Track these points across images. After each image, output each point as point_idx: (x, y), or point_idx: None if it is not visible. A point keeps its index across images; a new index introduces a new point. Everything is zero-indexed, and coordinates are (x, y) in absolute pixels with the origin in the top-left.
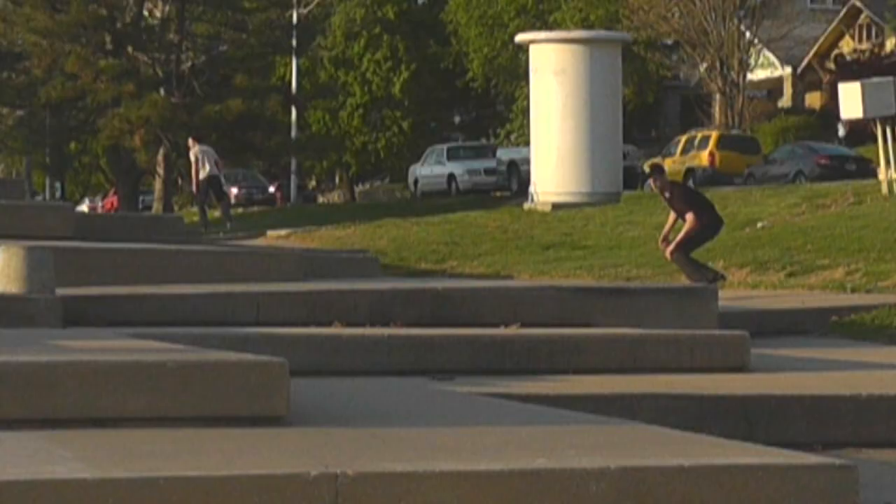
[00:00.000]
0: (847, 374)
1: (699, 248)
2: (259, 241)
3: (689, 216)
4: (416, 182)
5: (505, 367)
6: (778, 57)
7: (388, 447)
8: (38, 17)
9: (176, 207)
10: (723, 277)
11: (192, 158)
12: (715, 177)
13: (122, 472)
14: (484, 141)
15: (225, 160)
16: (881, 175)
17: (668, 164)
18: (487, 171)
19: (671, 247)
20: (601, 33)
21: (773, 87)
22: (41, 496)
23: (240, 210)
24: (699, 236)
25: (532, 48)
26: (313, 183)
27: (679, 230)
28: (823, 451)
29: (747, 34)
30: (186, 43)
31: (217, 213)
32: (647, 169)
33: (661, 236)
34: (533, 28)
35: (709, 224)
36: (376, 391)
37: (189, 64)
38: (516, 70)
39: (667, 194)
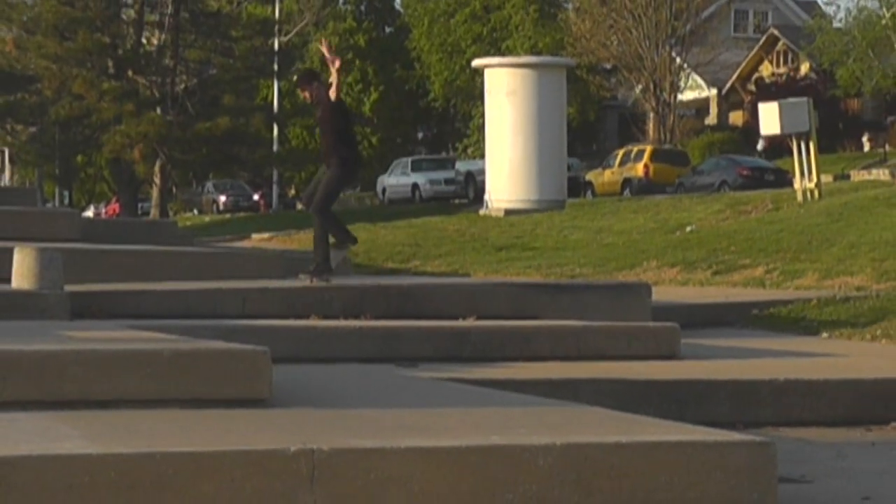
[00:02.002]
0: (766, 361)
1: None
2: (245, 243)
3: (333, 162)
4: (383, 190)
5: (463, 355)
6: (705, 80)
7: (359, 426)
8: (48, 45)
9: (171, 213)
10: (353, 241)
11: None
12: (649, 186)
13: (122, 448)
14: (444, 154)
15: (214, 172)
16: (796, 185)
17: (607, 175)
18: (447, 181)
19: (314, 205)
20: (548, 59)
21: (700, 107)
22: (51, 469)
23: (227, 216)
24: (342, 185)
25: (487, 72)
26: (293, 191)
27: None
28: (745, 430)
29: (677, 60)
30: (180, 67)
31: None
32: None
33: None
34: (487, 54)
35: (351, 172)
36: (348, 376)
37: (182, 86)
38: (473, 91)
39: (318, 112)
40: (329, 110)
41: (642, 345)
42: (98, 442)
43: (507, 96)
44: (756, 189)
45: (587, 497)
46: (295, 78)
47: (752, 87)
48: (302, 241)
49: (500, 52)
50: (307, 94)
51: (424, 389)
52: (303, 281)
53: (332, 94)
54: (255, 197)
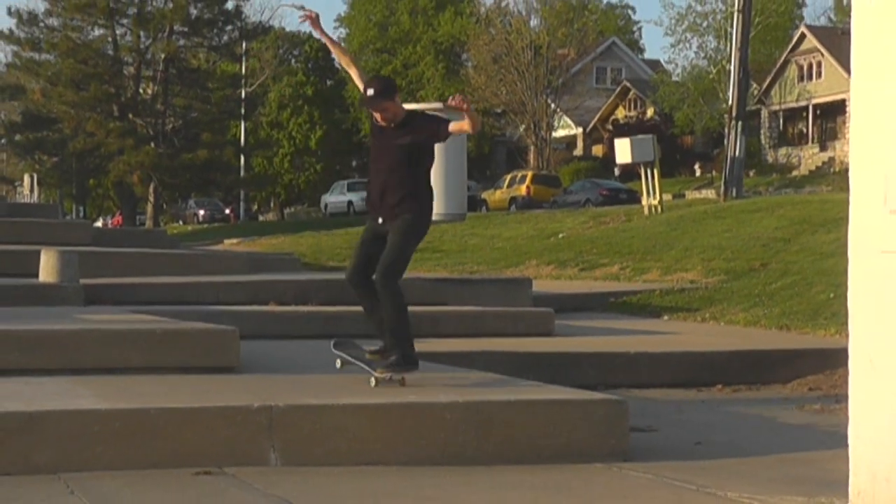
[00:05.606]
0: (621, 338)
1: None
2: (218, 247)
3: (407, 204)
4: (325, 206)
5: None
6: (573, 121)
7: (307, 387)
8: (67, 94)
9: (162, 224)
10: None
11: None
12: (530, 203)
13: (124, 405)
14: None
15: (195, 192)
16: (644, 202)
17: (498, 194)
18: None
19: (379, 274)
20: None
21: (570, 141)
22: (69, 421)
23: (205, 226)
24: (417, 239)
25: None
26: (256, 207)
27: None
28: (605, 391)
29: (552, 105)
30: (169, 111)
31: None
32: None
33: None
34: (405, 101)
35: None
36: (299, 350)
37: (171, 126)
38: None
39: (405, 140)
40: (426, 147)
41: (525, 325)
42: (106, 400)
43: None
44: (613, 205)
45: (484, 443)
46: (370, 92)
47: (609, 127)
48: (262, 245)
49: (415, 100)
50: (384, 116)
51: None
52: (379, 377)
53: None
54: (227, 211)
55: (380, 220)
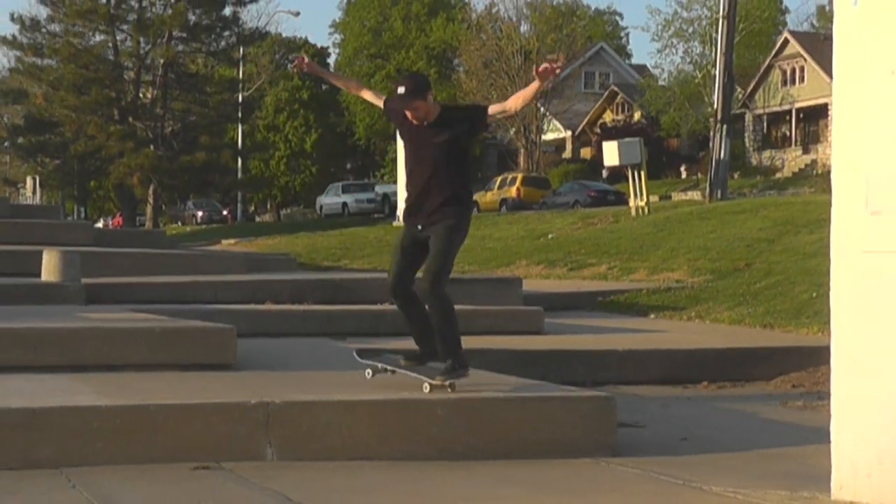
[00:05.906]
0: (609, 336)
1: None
2: (216, 247)
3: (449, 208)
4: (321, 207)
5: (380, 331)
6: (562, 124)
7: (303, 384)
8: (69, 98)
9: (161, 224)
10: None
11: None
12: (520, 204)
13: (124, 401)
14: (366, 180)
15: (194, 193)
16: (631, 203)
17: (489, 196)
18: (369, 200)
19: (426, 282)
20: None
21: (559, 144)
22: (71, 417)
23: (203, 227)
24: (460, 241)
25: None
26: (253, 208)
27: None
28: (594, 387)
29: (542, 109)
30: (168, 115)
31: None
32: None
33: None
34: None
35: (469, 216)
36: (295, 347)
37: (170, 129)
38: (388, 132)
39: (442, 137)
40: (459, 145)
41: (516, 323)
42: (106, 396)
43: None
44: (601, 206)
45: (475, 438)
46: (401, 90)
47: (597, 130)
48: (259, 245)
49: None
50: (415, 111)
51: (351, 357)
52: (435, 385)
53: (499, 108)
54: (224, 212)
55: (419, 227)
